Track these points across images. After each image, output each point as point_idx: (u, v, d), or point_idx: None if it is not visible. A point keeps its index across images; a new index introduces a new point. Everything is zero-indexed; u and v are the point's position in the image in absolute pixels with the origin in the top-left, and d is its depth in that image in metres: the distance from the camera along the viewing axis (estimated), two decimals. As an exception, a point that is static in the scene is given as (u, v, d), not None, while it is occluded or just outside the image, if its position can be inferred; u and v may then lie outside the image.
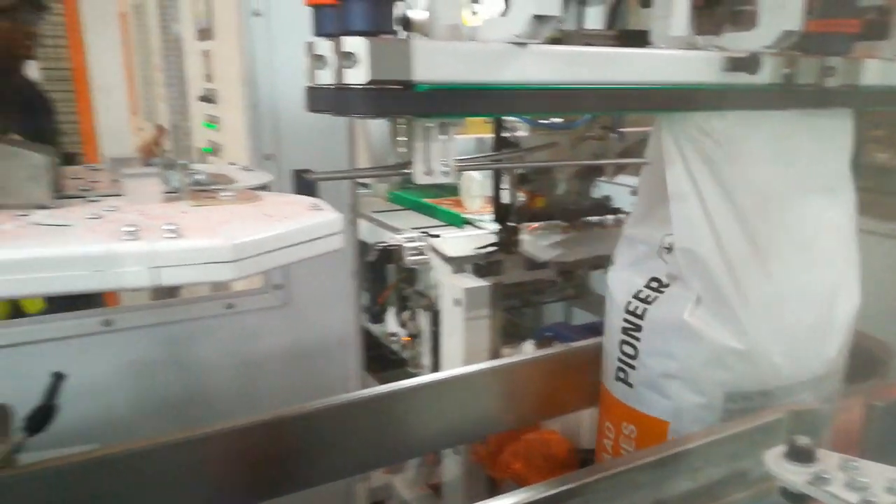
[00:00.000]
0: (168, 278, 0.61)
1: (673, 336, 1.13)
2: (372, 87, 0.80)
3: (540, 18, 0.80)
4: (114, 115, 4.35)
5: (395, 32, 0.82)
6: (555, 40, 0.90)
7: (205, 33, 2.44)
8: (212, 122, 2.51)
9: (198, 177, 0.78)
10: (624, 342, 1.21)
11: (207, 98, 2.49)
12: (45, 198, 0.71)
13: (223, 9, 2.14)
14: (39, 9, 2.09)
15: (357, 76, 0.79)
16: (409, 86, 0.82)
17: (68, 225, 0.65)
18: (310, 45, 0.81)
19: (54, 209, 0.70)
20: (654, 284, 1.17)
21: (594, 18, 1.60)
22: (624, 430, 1.22)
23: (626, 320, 1.20)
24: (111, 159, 0.86)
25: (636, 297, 1.19)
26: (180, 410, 1.65)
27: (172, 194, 0.77)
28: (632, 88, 0.90)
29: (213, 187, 0.80)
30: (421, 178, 0.90)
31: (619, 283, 1.22)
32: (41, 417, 1.07)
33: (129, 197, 0.74)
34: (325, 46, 0.78)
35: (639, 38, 1.08)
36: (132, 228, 0.63)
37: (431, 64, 0.81)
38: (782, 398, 1.11)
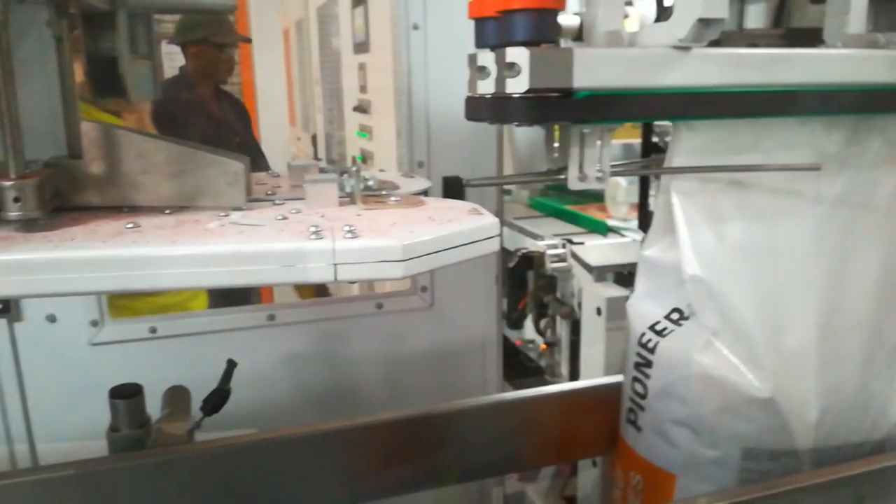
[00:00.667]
0: (344, 274, 0.67)
1: (683, 376, 0.98)
2: (531, 95, 0.82)
3: (705, 22, 0.79)
4: (274, 125, 4.71)
5: (556, 42, 0.84)
6: (715, 42, 0.88)
7: (361, 47, 2.59)
8: (364, 131, 2.66)
9: (369, 183, 0.84)
10: (635, 379, 1.06)
11: (361, 108, 2.64)
12: (240, 201, 0.79)
13: (379, 23, 2.26)
14: (246, 42, 2.45)
15: (517, 85, 0.81)
16: (568, 93, 0.83)
17: (261, 225, 0.73)
18: (472, 57, 0.84)
19: (247, 211, 0.78)
20: (675, 316, 1.01)
21: (754, 16, 1.53)
22: (632, 481, 1.08)
23: (638, 354, 1.05)
24: (290, 166, 0.94)
25: (652, 328, 1.03)
26: (330, 402, 1.76)
27: (346, 198, 0.83)
28: (805, 90, 0.86)
29: (381, 192, 0.85)
30: (575, 184, 0.91)
31: (638, 313, 1.07)
32: (217, 400, 1.19)
33: (310, 200, 0.81)
34: (486, 57, 0.81)
35: (810, 37, 1.02)
36: (316, 228, 0.69)
37: (591, 71, 0.82)
38: (818, 463, 0.93)
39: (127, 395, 1.17)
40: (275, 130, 4.70)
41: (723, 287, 0.93)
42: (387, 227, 0.73)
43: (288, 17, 4.42)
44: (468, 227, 0.74)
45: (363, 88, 2.68)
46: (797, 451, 0.94)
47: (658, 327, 1.02)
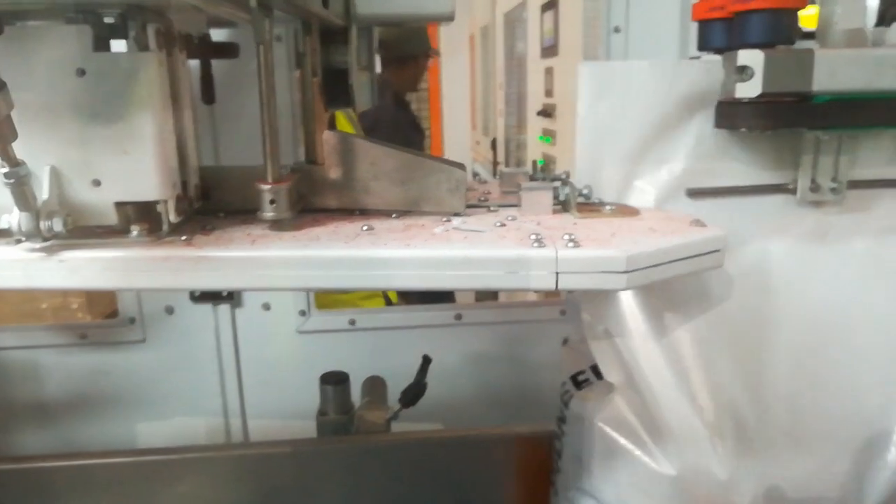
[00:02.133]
0: (565, 283, 0.67)
1: (588, 441, 0.88)
2: (763, 100, 0.77)
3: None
4: (456, 130, 4.85)
5: (793, 42, 0.78)
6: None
7: (549, 50, 2.59)
8: (547, 135, 2.66)
9: (584, 191, 0.84)
10: (555, 435, 0.96)
11: (546, 112, 2.65)
12: (460, 207, 0.82)
13: (570, 26, 2.25)
14: (436, 55, 2.56)
15: (749, 89, 0.77)
16: (805, 97, 0.77)
17: (482, 231, 0.75)
18: (729, 56, 0.80)
19: (466, 217, 0.81)
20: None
21: None
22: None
23: (560, 405, 0.95)
24: (502, 172, 0.96)
25: (574, 378, 0.94)
26: (512, 404, 1.77)
27: (559, 206, 0.83)
28: None
29: (596, 201, 0.85)
30: (807, 196, 0.84)
31: (568, 358, 0.97)
32: (415, 394, 1.25)
33: (525, 207, 0.82)
34: (750, 56, 0.77)
35: None
36: (537, 236, 0.70)
37: (833, 73, 0.75)
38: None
39: (335, 382, 1.27)
40: (457, 135, 4.85)
41: (627, 344, 0.83)
42: (607, 236, 0.72)
43: (474, 23, 4.53)
44: (693, 239, 0.72)
45: (549, 92, 2.68)
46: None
47: (580, 377, 0.94)
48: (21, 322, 1.63)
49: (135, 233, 0.70)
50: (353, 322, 1.63)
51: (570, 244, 0.68)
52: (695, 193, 0.86)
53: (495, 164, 3.85)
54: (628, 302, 0.83)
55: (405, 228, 0.77)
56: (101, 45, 0.66)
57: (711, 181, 0.86)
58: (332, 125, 1.09)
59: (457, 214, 0.82)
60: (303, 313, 1.62)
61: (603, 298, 0.85)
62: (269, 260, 0.68)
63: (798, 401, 0.87)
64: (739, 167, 0.85)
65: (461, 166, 0.84)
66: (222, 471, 1.24)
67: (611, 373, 0.89)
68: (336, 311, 1.63)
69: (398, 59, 2.77)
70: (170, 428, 1.63)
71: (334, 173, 0.83)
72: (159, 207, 0.71)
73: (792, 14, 0.76)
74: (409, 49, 2.74)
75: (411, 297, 2.10)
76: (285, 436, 1.37)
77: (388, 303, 2.00)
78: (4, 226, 0.66)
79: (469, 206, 0.87)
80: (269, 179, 0.74)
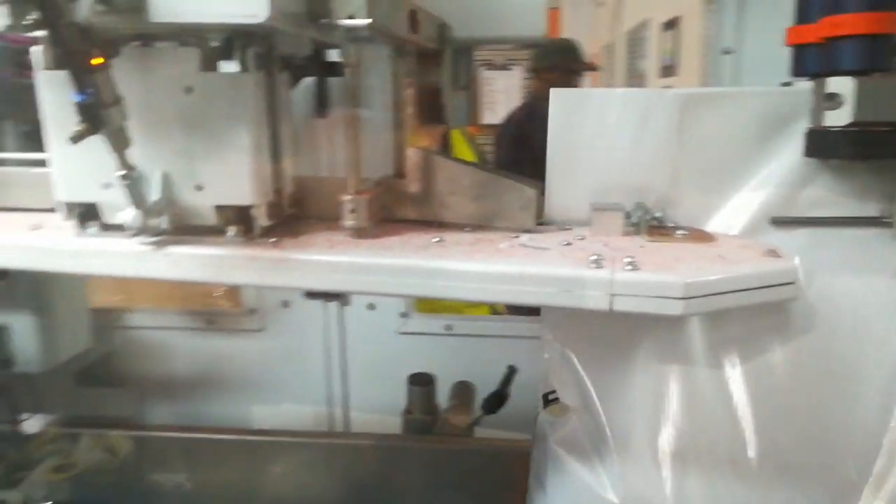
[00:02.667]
0: (620, 305, 0.68)
1: (544, 461, 0.88)
2: (854, 128, 0.74)
3: None
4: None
5: (889, 69, 0.74)
6: None
7: (668, 70, 2.53)
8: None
9: (657, 214, 0.83)
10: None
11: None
12: (530, 223, 0.85)
13: (690, 46, 2.19)
14: (592, 70, 2.54)
15: (838, 118, 0.74)
16: (900, 128, 0.73)
17: (547, 248, 0.77)
18: (819, 83, 0.78)
19: (535, 234, 0.83)
20: None
21: None
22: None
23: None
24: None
25: (545, 396, 0.94)
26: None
27: (632, 229, 0.83)
28: None
29: (669, 225, 0.84)
30: (905, 231, 0.79)
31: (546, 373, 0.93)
32: (497, 402, 1.27)
33: (595, 228, 0.83)
34: (840, 83, 0.75)
35: None
36: (597, 257, 0.71)
37: (935, 103, 0.71)
38: None
39: (422, 383, 1.32)
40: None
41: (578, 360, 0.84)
42: (671, 261, 0.72)
43: (598, 42, 4.49)
44: (761, 270, 0.70)
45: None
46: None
47: (550, 395, 0.93)
48: (164, 305, 1.83)
49: (231, 233, 0.79)
50: (449, 327, 1.68)
51: (629, 267, 0.69)
52: (780, 223, 0.83)
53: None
54: (591, 325, 0.84)
55: (474, 242, 0.80)
56: (208, 65, 0.75)
57: (799, 211, 0.82)
58: (445, 143, 1.14)
59: (527, 231, 0.84)
60: (404, 315, 1.69)
61: (564, 319, 0.86)
62: (340, 264, 0.73)
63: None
64: (830, 197, 0.81)
65: (535, 184, 0.86)
66: (311, 456, 1.33)
67: (566, 394, 0.89)
68: (434, 315, 1.69)
69: (542, 70, 2.83)
70: (280, 413, 1.75)
71: (415, 187, 0.88)
72: (253, 211, 0.79)
73: (887, 39, 0.72)
74: (547, 63, 2.79)
75: (519, 308, 2.11)
76: (381, 429, 1.44)
77: (494, 311, 2.03)
78: (121, 221, 0.77)
79: (545, 224, 0.89)
80: (351, 191, 0.80)
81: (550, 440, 0.91)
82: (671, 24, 2.45)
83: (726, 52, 1.49)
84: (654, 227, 0.83)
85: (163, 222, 0.76)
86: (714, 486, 0.84)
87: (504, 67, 3.33)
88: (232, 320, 1.69)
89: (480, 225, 0.87)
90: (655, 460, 0.83)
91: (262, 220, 0.79)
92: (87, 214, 0.80)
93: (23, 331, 1.29)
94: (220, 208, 0.78)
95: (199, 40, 0.77)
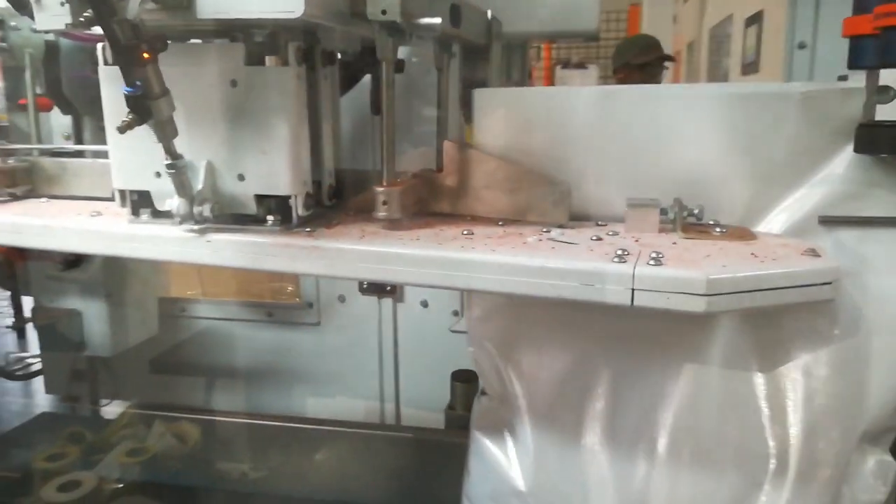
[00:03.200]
0: (641, 301, 0.66)
1: (469, 446, 0.94)
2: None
3: None
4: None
5: (950, 60, 0.69)
6: None
7: (750, 67, 2.43)
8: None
9: (695, 211, 0.81)
10: None
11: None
12: (563, 218, 0.84)
13: (772, 42, 2.09)
14: (670, 60, 2.51)
15: (890, 112, 0.70)
16: (960, 122, 0.68)
17: (575, 243, 0.76)
18: (872, 75, 0.74)
19: (567, 229, 0.83)
20: None
21: None
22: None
23: None
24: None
25: (484, 391, 0.97)
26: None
27: (669, 225, 0.81)
28: None
29: (707, 222, 0.81)
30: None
31: None
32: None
33: (629, 224, 0.81)
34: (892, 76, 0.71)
35: None
36: (621, 252, 0.70)
37: None
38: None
39: (464, 380, 1.33)
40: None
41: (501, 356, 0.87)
42: (699, 258, 0.69)
43: (681, 40, 4.36)
44: (796, 269, 0.67)
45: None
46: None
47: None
48: (228, 296, 1.91)
49: (269, 222, 0.82)
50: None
51: (652, 262, 0.67)
52: (828, 222, 0.79)
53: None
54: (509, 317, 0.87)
55: (502, 235, 0.80)
56: (253, 59, 0.79)
57: (849, 209, 0.78)
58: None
59: (560, 226, 0.84)
60: (455, 313, 1.70)
61: (485, 312, 0.90)
62: (367, 254, 0.75)
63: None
64: (881, 195, 0.76)
65: (564, 181, 0.85)
66: (352, 446, 1.36)
67: (488, 383, 0.93)
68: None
69: (620, 67, 2.81)
70: (333, 404, 1.80)
71: (451, 180, 0.89)
72: (291, 202, 0.82)
73: (944, 26, 0.67)
74: (627, 58, 2.77)
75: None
76: (427, 424, 1.45)
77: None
78: (167, 208, 0.81)
79: (581, 219, 0.88)
80: (384, 183, 0.82)
81: (473, 427, 0.96)
82: (754, 19, 2.35)
83: (801, 46, 1.42)
84: (692, 224, 0.81)
85: (206, 210, 0.80)
86: (627, 476, 0.84)
87: (580, 66, 3.28)
88: (290, 313, 1.75)
89: (514, 219, 0.87)
90: (565, 451, 0.85)
91: (299, 210, 0.82)
92: (140, 202, 0.86)
93: (94, 316, 1.38)
94: (260, 198, 0.82)
95: (245, 36, 0.81)
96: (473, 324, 0.92)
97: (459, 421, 1.29)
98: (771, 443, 0.79)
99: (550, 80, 3.06)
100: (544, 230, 0.82)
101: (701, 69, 3.68)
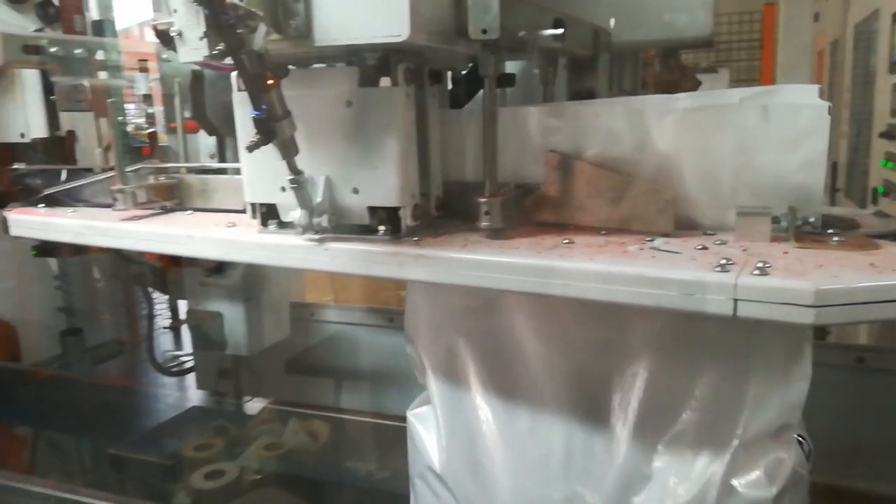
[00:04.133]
0: (745, 311, 0.64)
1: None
2: None
3: None
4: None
5: None
6: None
7: (896, 65, 2.23)
8: (890, 160, 2.28)
9: (811, 219, 0.77)
10: None
11: (889, 134, 2.27)
12: (668, 227, 0.83)
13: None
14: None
15: None
16: None
17: (678, 252, 0.75)
18: None
19: (673, 238, 0.81)
20: None
21: None
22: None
23: None
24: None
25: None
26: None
27: (782, 234, 0.78)
28: None
29: (826, 231, 0.77)
30: None
31: None
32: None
33: (739, 233, 0.79)
34: None
35: None
36: (725, 262, 0.68)
37: None
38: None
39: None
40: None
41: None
42: (810, 268, 0.66)
43: (824, 38, 4.05)
44: (918, 280, 0.62)
45: (895, 112, 2.29)
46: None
47: None
48: (353, 302, 2.02)
49: (381, 232, 0.88)
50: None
51: (756, 272, 0.65)
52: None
53: (833, 190, 3.38)
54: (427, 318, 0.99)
55: (603, 245, 0.80)
56: (365, 81, 0.85)
57: None
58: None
59: (665, 235, 0.83)
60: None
61: (411, 315, 1.02)
62: (468, 262, 0.78)
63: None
64: None
65: (670, 189, 0.84)
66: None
67: (420, 377, 1.06)
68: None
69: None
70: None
71: (553, 190, 0.90)
72: (400, 213, 0.87)
73: None
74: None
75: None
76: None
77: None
78: (291, 220, 0.89)
79: (688, 228, 0.86)
80: (486, 194, 0.85)
81: (407, 411, 1.08)
82: (903, 13, 2.15)
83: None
84: (808, 233, 0.77)
85: (324, 221, 0.87)
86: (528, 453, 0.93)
87: (711, 70, 3.14)
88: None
89: (619, 229, 0.86)
90: (467, 434, 0.97)
91: (407, 220, 0.87)
92: (268, 214, 0.94)
93: (233, 318, 1.51)
94: (372, 209, 0.87)
95: (358, 59, 0.87)
96: (405, 319, 1.06)
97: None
98: (666, 425, 0.85)
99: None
100: (648, 239, 0.81)
101: (846, 67, 3.41)
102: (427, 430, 1.03)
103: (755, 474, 0.82)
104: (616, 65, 1.21)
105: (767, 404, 0.81)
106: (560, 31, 0.86)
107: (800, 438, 0.85)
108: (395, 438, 1.60)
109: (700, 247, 0.77)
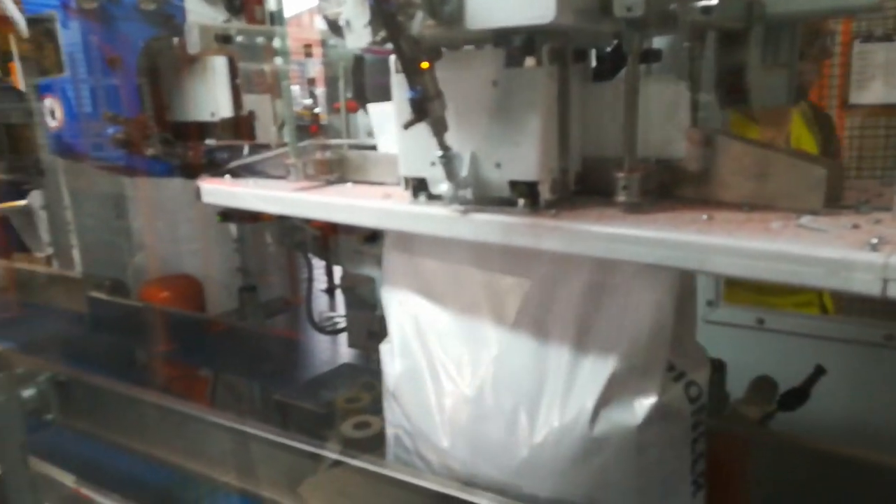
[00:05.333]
0: (894, 291, 0.63)
1: None
2: None
3: None
4: None
5: None
6: None
7: None
8: None
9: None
10: None
11: None
12: (817, 205, 0.81)
13: None
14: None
15: None
16: None
17: (823, 230, 0.74)
18: None
19: (821, 216, 0.79)
20: None
21: None
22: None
23: None
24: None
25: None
26: None
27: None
28: None
29: None
30: None
31: None
32: (795, 399, 1.19)
33: (896, 211, 0.76)
34: None
35: None
36: (876, 241, 0.67)
37: None
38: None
39: (712, 370, 1.30)
40: None
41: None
42: (971, 249, 0.63)
43: None
44: None
45: None
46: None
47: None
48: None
49: (520, 204, 0.93)
50: (761, 321, 1.59)
51: (908, 252, 0.63)
52: None
53: None
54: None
55: (744, 221, 0.80)
56: (511, 62, 0.90)
57: None
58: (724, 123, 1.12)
59: (814, 212, 0.81)
60: (710, 303, 1.65)
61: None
62: (603, 234, 0.82)
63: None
64: None
65: (827, 163, 0.81)
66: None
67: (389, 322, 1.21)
68: (744, 306, 1.61)
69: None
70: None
71: (694, 166, 0.90)
72: (539, 187, 0.91)
73: None
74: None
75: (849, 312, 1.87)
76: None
77: (823, 310, 1.84)
78: (439, 192, 0.96)
79: (841, 207, 0.84)
80: (625, 169, 0.87)
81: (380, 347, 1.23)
82: None
83: None
84: (979, 212, 0.73)
85: (468, 194, 0.93)
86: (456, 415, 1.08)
87: (887, 38, 2.83)
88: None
89: (763, 205, 0.85)
90: (412, 363, 1.14)
91: (545, 194, 0.91)
92: (419, 186, 1.02)
93: (384, 282, 1.62)
94: (512, 183, 0.93)
95: (505, 41, 0.92)
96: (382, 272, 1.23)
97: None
98: (557, 356, 1.00)
99: (847, 57, 2.69)
100: (794, 217, 0.80)
101: None
102: (389, 359, 1.20)
103: (622, 405, 0.96)
104: (771, 37, 1.16)
105: (638, 345, 0.94)
106: (713, 1, 0.85)
107: (690, 381, 1.00)
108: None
109: (852, 225, 0.75)
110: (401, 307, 1.19)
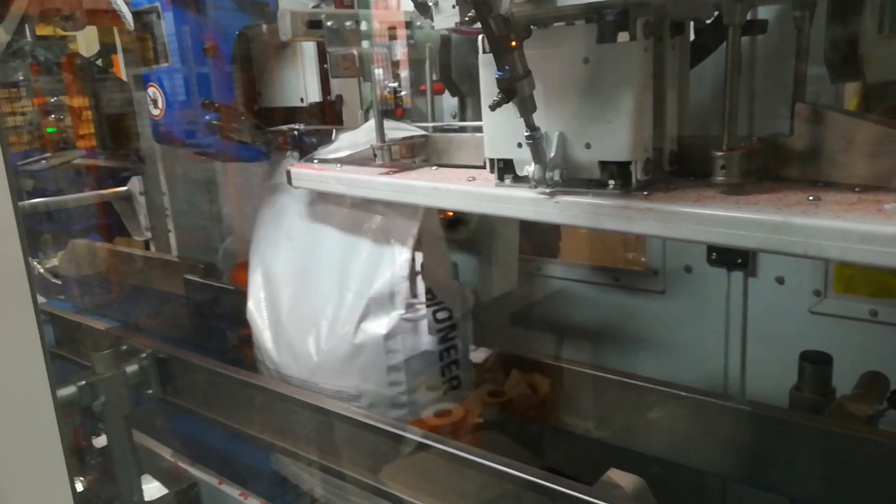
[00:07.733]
0: None
1: None
2: None
3: None
4: None
5: None
6: None
7: None
8: None
9: None
10: None
11: None
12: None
13: None
14: None
15: None
16: None
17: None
18: None
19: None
20: None
21: None
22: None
23: None
24: None
25: None
26: None
27: None
28: None
29: None
30: None
31: None
32: (904, 396, 1.11)
33: None
34: None
35: None
36: None
37: None
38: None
39: (815, 361, 1.23)
40: None
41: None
42: None
43: None
44: None
45: None
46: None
47: None
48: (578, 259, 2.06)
49: (611, 185, 0.90)
50: (874, 313, 1.49)
51: None
52: None
53: None
54: None
55: (855, 202, 0.75)
56: (604, 37, 0.87)
57: None
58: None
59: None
60: (817, 293, 1.56)
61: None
62: (698, 216, 0.78)
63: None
64: None
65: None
66: (683, 411, 1.37)
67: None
68: (856, 297, 1.51)
69: None
70: (673, 372, 1.82)
71: (801, 144, 0.85)
72: (631, 167, 0.88)
73: None
74: None
75: None
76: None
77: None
78: (525, 174, 0.95)
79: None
80: (724, 147, 0.83)
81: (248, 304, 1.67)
82: None
83: None
84: None
85: (556, 175, 0.91)
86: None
87: None
88: (635, 279, 1.81)
89: (876, 187, 0.79)
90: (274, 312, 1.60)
91: (638, 175, 0.88)
92: (504, 169, 1.01)
93: (465, 269, 1.63)
94: (603, 164, 0.90)
95: (598, 16, 0.89)
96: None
97: (805, 403, 1.21)
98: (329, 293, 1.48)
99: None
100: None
101: None
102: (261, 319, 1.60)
103: (373, 320, 1.40)
104: (889, 4, 1.07)
105: (383, 277, 1.40)
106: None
107: (440, 307, 1.48)
108: (615, 395, 1.62)
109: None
110: (260, 260, 1.65)
